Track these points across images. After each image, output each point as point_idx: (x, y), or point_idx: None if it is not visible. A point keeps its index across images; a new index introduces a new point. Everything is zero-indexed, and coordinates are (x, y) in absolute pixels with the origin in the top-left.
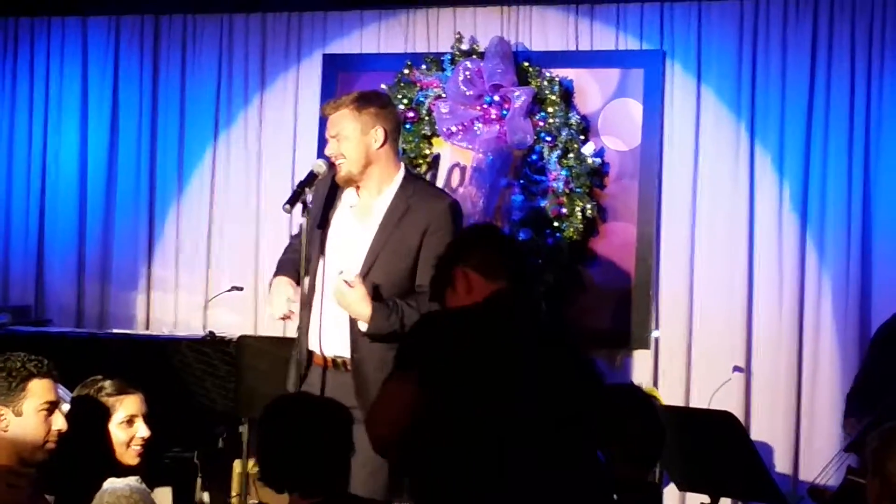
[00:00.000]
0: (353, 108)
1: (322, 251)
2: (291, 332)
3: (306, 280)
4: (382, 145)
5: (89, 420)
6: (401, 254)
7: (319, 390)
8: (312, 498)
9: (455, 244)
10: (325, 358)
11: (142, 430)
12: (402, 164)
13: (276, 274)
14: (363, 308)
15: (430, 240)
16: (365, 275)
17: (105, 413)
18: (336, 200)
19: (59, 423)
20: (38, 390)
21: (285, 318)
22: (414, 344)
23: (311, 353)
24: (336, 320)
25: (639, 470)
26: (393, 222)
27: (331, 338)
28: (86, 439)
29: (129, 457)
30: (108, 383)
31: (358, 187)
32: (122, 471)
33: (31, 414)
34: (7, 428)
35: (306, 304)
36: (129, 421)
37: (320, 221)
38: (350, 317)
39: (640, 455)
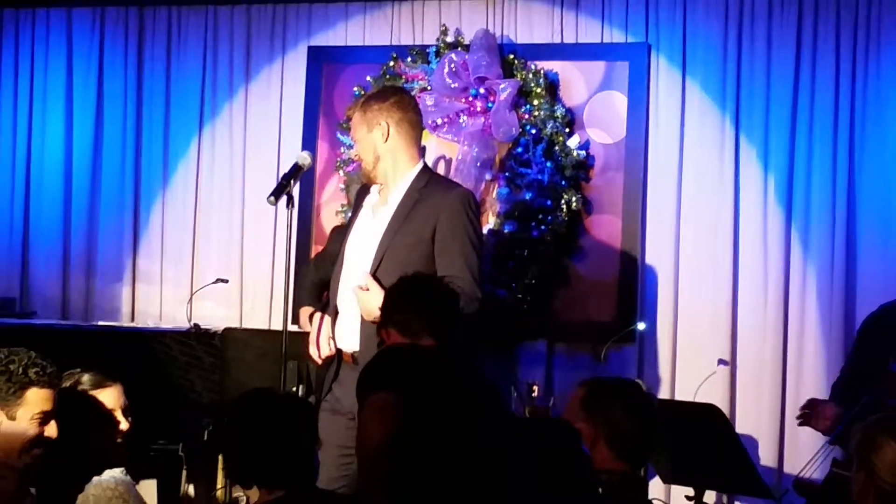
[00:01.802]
0: (360, 109)
1: (345, 250)
2: (276, 325)
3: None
4: (388, 139)
5: (70, 412)
6: (411, 243)
7: (329, 384)
8: (275, 492)
9: (384, 301)
10: (338, 351)
11: (122, 423)
12: (421, 160)
13: (302, 304)
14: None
15: (442, 230)
16: (377, 265)
17: (85, 406)
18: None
19: (50, 431)
20: (36, 399)
21: (327, 358)
22: (383, 369)
23: (340, 352)
24: (350, 315)
25: (629, 465)
26: (404, 213)
27: (346, 333)
28: (67, 432)
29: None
30: (85, 377)
31: (379, 185)
32: (106, 460)
33: (24, 420)
34: None
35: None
36: (111, 414)
37: (349, 222)
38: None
39: (631, 450)
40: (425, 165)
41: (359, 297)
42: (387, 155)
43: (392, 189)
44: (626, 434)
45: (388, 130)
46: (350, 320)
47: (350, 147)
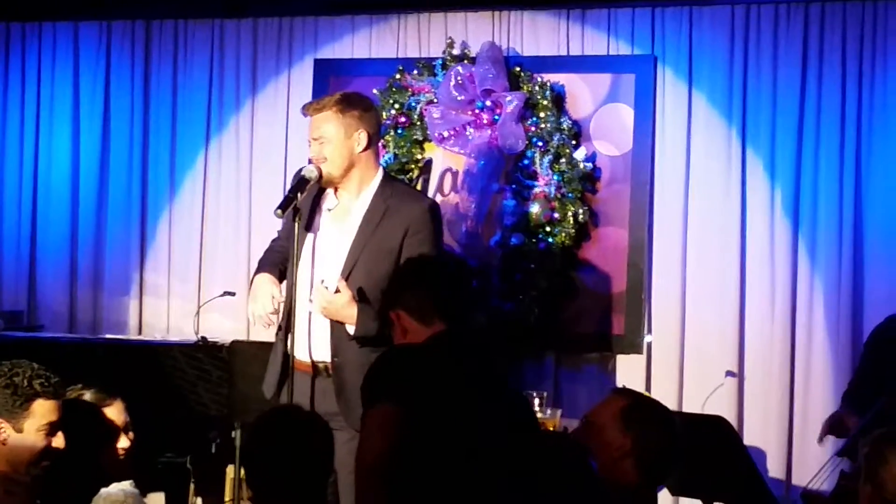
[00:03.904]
0: (336, 110)
1: (310, 257)
2: None
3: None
4: (365, 149)
5: (77, 425)
6: (381, 256)
7: (309, 398)
8: None
9: (390, 284)
10: (313, 364)
11: (123, 441)
12: (381, 167)
13: (258, 271)
14: (350, 311)
15: (410, 242)
16: (346, 277)
17: (92, 417)
18: (318, 204)
19: (58, 441)
20: (42, 411)
21: (268, 321)
22: (384, 378)
23: (291, 359)
24: (321, 325)
25: (648, 482)
26: (372, 224)
27: (317, 343)
28: (75, 444)
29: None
30: (87, 394)
31: (336, 189)
32: (114, 473)
33: (31, 432)
34: (6, 441)
35: (289, 309)
36: (115, 429)
37: (307, 225)
38: (331, 321)
39: (656, 470)
40: (385, 172)
41: (324, 295)
42: (360, 162)
43: (356, 197)
44: (657, 454)
45: (368, 139)
46: (323, 329)
47: None
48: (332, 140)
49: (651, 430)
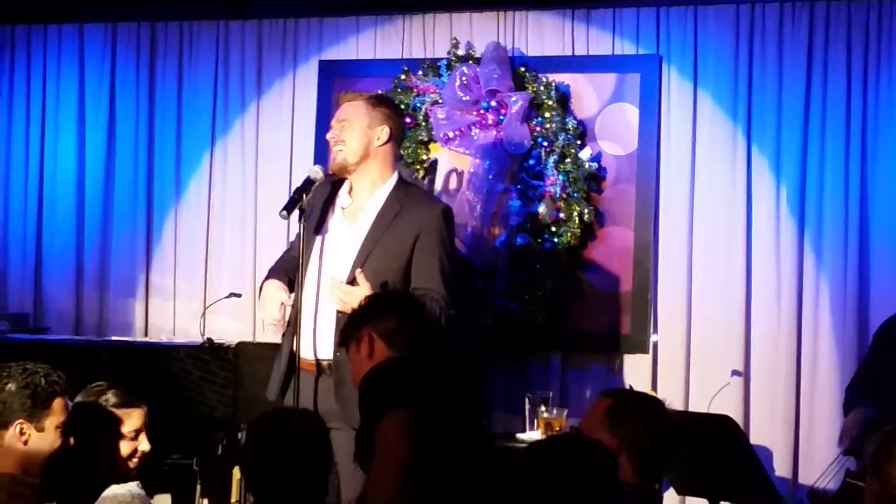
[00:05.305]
0: (368, 101)
1: (318, 255)
2: None
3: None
4: (384, 144)
5: (93, 428)
6: (392, 254)
7: (312, 398)
8: None
9: (371, 305)
10: (318, 363)
11: (144, 445)
12: (397, 170)
13: (267, 278)
14: None
15: (422, 243)
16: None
17: (109, 423)
18: (331, 206)
19: (70, 440)
20: (59, 408)
21: (277, 324)
22: (391, 387)
23: (298, 359)
24: (327, 323)
25: (645, 479)
26: (385, 223)
27: (322, 341)
28: (88, 447)
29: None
30: (112, 394)
31: (351, 189)
32: (121, 478)
33: (51, 430)
34: (27, 442)
35: (299, 309)
36: (134, 435)
37: (317, 227)
38: (338, 317)
39: (650, 466)
40: (401, 176)
41: (341, 288)
42: (377, 157)
43: (369, 195)
44: (648, 450)
45: (389, 136)
46: (330, 328)
47: None
48: (354, 125)
49: (636, 425)
